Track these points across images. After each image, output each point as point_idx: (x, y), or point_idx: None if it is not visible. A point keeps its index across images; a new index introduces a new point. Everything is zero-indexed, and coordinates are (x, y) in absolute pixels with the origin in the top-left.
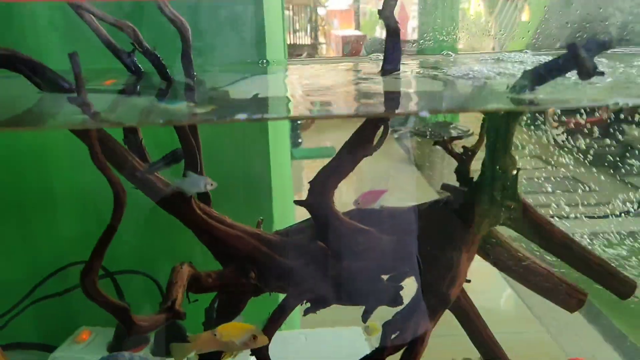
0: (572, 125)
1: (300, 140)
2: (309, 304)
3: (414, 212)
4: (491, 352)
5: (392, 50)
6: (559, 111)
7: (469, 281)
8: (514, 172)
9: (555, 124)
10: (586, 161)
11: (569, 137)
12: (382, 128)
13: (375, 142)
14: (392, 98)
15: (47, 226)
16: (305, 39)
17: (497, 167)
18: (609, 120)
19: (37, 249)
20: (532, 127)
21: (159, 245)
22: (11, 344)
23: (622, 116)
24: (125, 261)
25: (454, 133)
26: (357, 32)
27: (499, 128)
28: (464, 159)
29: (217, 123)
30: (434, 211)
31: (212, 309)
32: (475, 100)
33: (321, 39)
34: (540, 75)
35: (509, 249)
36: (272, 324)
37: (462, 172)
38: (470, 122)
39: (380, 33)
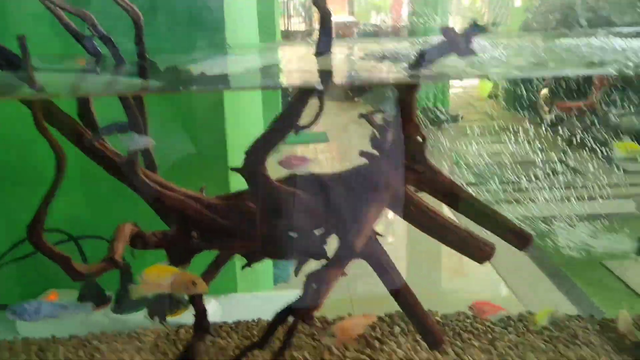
0: (564, 109)
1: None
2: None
3: (337, 177)
4: (402, 295)
5: (324, 35)
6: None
7: (381, 235)
8: (420, 139)
9: (547, 109)
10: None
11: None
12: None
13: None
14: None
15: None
16: (301, 26)
17: (404, 135)
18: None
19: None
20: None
21: (123, 212)
22: None
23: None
24: (91, 228)
25: (443, 118)
26: (350, 18)
27: (402, 99)
28: (383, 129)
29: (160, 94)
30: (353, 176)
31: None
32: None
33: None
34: (428, 54)
35: (423, 209)
36: (208, 275)
37: (375, 140)
38: (461, 108)
39: (375, 19)
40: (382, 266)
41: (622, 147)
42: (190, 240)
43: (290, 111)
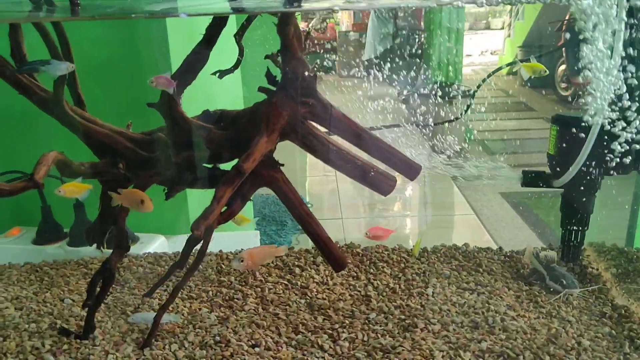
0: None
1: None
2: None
3: (243, 112)
4: (304, 221)
5: None
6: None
7: (282, 165)
8: (307, 74)
9: (564, 85)
10: None
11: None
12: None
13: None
14: None
15: None
16: None
17: (288, 70)
18: None
19: None
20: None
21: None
22: None
23: None
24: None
25: (454, 93)
26: None
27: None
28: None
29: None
30: (253, 110)
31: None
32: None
33: None
34: None
35: (323, 141)
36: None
37: (269, 76)
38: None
39: None
40: (285, 194)
41: (527, 68)
42: (117, 170)
43: (201, 47)
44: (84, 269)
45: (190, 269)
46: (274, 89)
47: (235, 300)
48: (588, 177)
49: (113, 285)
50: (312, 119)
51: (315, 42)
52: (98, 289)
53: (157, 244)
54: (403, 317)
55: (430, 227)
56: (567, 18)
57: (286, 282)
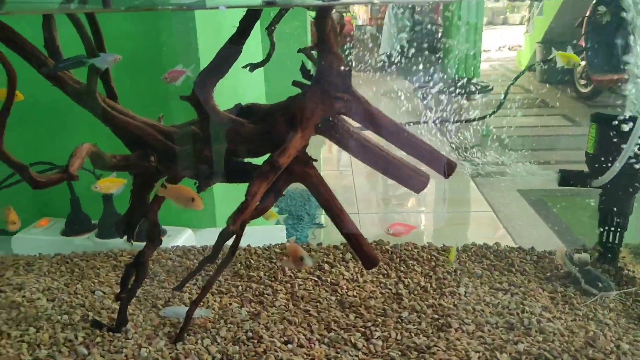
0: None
1: None
2: None
3: (276, 107)
4: (335, 215)
5: None
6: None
7: (315, 160)
8: (342, 68)
9: (584, 82)
10: None
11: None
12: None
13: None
14: None
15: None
16: None
17: (324, 64)
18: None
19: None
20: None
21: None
22: None
23: None
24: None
25: (473, 88)
26: None
27: (319, 29)
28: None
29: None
30: (287, 105)
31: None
32: None
33: None
34: None
35: (357, 137)
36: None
37: (304, 70)
38: (495, 81)
39: None
40: (317, 190)
41: (563, 57)
42: (148, 163)
43: (234, 40)
44: (114, 261)
45: (222, 263)
46: (308, 83)
47: (266, 295)
48: (629, 177)
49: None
50: (347, 114)
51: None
52: (130, 282)
53: (185, 237)
54: (436, 316)
55: (447, 223)
56: (587, 14)
57: (316, 279)
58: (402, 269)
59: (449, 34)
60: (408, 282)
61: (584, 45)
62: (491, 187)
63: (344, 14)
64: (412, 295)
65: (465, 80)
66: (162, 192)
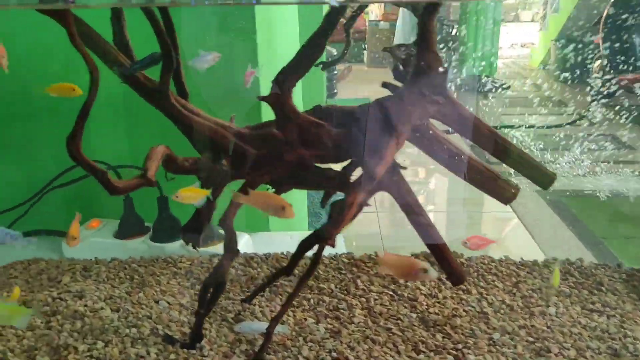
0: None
1: (335, 91)
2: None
3: (359, 110)
4: (427, 234)
5: None
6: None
7: (405, 168)
8: (440, 69)
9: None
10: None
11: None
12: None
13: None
14: None
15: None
16: None
17: (422, 63)
18: None
19: (52, 149)
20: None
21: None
22: (32, 230)
23: None
24: (127, 158)
25: (490, 86)
26: None
27: (423, 25)
28: (405, 60)
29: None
30: (375, 108)
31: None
32: None
33: None
34: None
35: (445, 143)
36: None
37: (398, 70)
38: (510, 78)
39: None
40: (405, 200)
41: None
42: (220, 166)
43: (317, 36)
44: (173, 268)
45: (303, 277)
46: (399, 84)
47: (341, 310)
48: None
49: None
50: (440, 119)
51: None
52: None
53: (243, 242)
54: (531, 339)
55: (465, 225)
56: (606, 12)
57: (391, 293)
58: (482, 284)
59: (466, 30)
60: (492, 299)
61: (601, 44)
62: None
63: None
64: (499, 314)
65: (482, 77)
66: (244, 199)
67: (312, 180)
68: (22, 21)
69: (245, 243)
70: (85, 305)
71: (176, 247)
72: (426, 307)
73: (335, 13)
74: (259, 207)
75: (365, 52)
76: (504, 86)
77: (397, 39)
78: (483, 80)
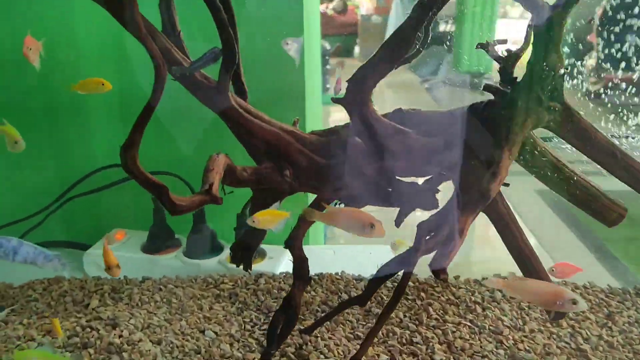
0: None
1: (328, 86)
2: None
3: (453, 115)
4: (525, 258)
5: None
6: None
7: (507, 184)
8: (561, 71)
9: (594, 80)
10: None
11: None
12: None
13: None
14: None
15: (79, 130)
16: None
17: (545, 65)
18: None
19: (70, 153)
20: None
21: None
22: (47, 242)
23: None
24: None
25: (485, 83)
26: None
27: (551, 22)
28: (508, 59)
29: None
30: (474, 113)
31: (244, 215)
32: None
33: None
34: None
35: (550, 157)
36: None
37: (506, 72)
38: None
39: None
40: (504, 222)
41: None
42: (281, 178)
43: (405, 30)
44: (215, 289)
45: (386, 310)
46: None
47: (417, 345)
48: None
49: (258, 314)
50: (554, 128)
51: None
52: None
53: (287, 259)
54: None
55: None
56: (601, 9)
57: (469, 324)
58: (571, 315)
59: (461, 25)
60: (587, 334)
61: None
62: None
63: (347, 2)
64: (598, 352)
65: (477, 73)
66: (320, 217)
67: (394, 196)
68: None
69: (289, 260)
70: (121, 336)
71: (213, 264)
72: (513, 342)
73: (426, 7)
74: (340, 225)
75: (357, 46)
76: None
77: (390, 33)
78: (484, 78)
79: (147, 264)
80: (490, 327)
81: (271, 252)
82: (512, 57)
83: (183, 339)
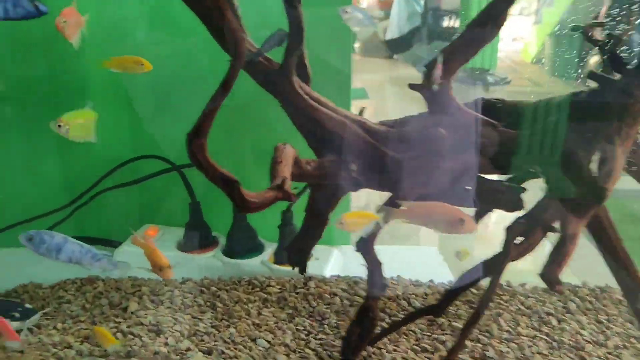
0: None
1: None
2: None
3: (544, 105)
4: (622, 262)
5: None
6: None
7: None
8: None
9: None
10: None
11: None
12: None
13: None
14: None
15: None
16: None
17: None
18: None
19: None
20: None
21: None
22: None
23: None
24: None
25: (491, 80)
26: None
27: None
28: (612, 45)
29: None
30: (575, 103)
31: (289, 212)
32: None
33: None
34: None
35: None
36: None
37: (615, 57)
38: (506, 71)
39: None
40: (601, 224)
41: None
42: (349, 173)
43: (494, 7)
44: (261, 293)
45: (470, 323)
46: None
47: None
48: None
49: (311, 322)
50: None
51: None
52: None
53: (334, 260)
54: None
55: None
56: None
57: (545, 337)
58: None
59: (466, 20)
60: None
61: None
62: None
63: None
64: None
65: (481, 70)
66: (401, 214)
67: (483, 197)
68: None
69: (336, 259)
70: (166, 344)
71: (255, 264)
72: (597, 358)
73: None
74: (424, 222)
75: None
76: (506, 80)
77: (392, 28)
78: (489, 75)
79: (184, 264)
80: (570, 342)
81: (316, 253)
82: (615, 41)
83: (235, 348)
